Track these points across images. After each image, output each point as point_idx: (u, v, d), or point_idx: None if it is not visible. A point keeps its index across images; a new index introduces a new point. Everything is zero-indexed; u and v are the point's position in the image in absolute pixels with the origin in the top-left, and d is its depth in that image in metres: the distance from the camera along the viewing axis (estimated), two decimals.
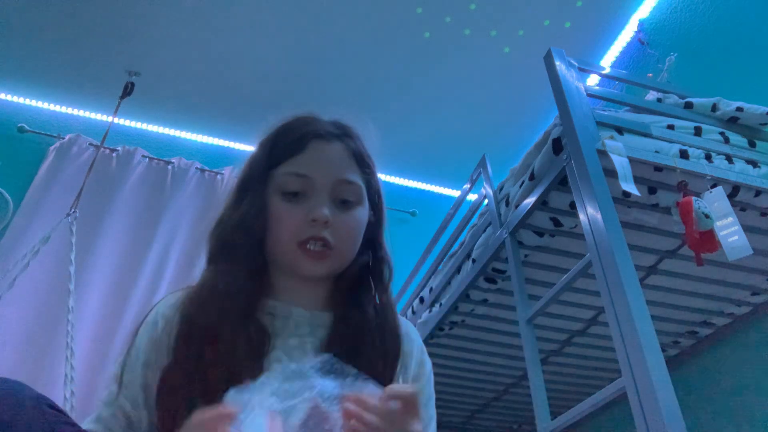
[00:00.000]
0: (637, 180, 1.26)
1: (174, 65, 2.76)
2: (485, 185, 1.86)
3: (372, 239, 0.83)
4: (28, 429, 0.52)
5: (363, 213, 0.81)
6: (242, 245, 0.75)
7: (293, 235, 0.75)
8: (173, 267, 2.56)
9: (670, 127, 1.47)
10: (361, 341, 0.73)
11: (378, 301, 0.80)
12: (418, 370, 0.80)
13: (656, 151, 1.36)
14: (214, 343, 0.66)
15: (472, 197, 2.15)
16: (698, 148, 1.41)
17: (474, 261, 1.80)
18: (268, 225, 0.76)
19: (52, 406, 0.56)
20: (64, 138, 2.72)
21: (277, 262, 0.79)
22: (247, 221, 0.76)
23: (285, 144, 0.80)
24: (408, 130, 3.11)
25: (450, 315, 1.90)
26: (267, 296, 0.76)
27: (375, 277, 0.82)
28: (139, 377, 0.70)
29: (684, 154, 1.37)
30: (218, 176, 2.92)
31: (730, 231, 1.26)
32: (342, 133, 0.83)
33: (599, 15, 2.62)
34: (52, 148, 2.69)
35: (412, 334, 0.83)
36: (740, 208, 1.43)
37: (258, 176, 0.79)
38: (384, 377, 0.70)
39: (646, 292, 1.20)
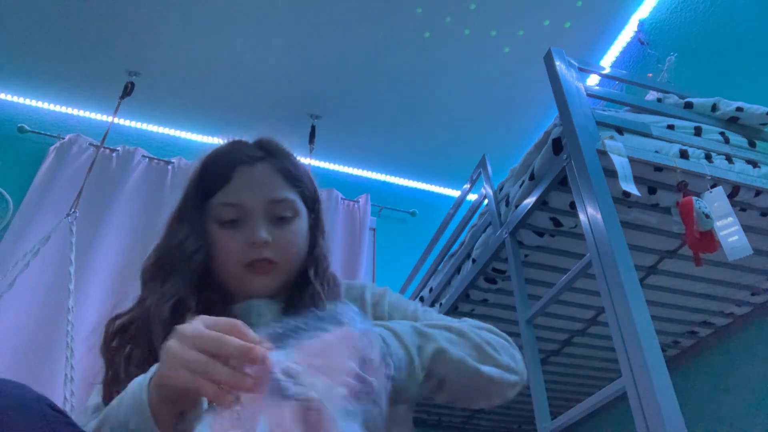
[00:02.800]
0: (637, 180, 1.26)
1: (174, 65, 2.76)
2: (485, 185, 1.86)
3: (311, 240, 0.88)
4: (28, 430, 0.52)
5: (301, 224, 0.85)
6: (179, 267, 0.79)
7: (237, 260, 0.79)
8: None
9: (670, 127, 1.47)
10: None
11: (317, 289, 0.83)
12: (377, 307, 0.84)
13: (656, 151, 1.35)
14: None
15: (472, 197, 2.15)
16: (698, 148, 1.41)
17: (474, 261, 1.80)
18: (211, 252, 0.81)
19: (53, 407, 0.56)
20: (64, 138, 2.71)
21: (228, 286, 0.82)
22: (185, 245, 0.80)
23: (213, 175, 0.84)
24: (408, 130, 3.11)
25: (450, 315, 1.89)
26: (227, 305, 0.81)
27: (311, 270, 0.85)
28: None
29: (684, 154, 1.37)
30: None
31: (730, 231, 1.26)
32: (265, 154, 0.87)
33: (599, 15, 2.62)
34: (52, 148, 2.68)
35: (353, 291, 0.86)
36: (740, 208, 1.43)
37: (193, 206, 0.84)
38: None
39: (646, 292, 1.20)
